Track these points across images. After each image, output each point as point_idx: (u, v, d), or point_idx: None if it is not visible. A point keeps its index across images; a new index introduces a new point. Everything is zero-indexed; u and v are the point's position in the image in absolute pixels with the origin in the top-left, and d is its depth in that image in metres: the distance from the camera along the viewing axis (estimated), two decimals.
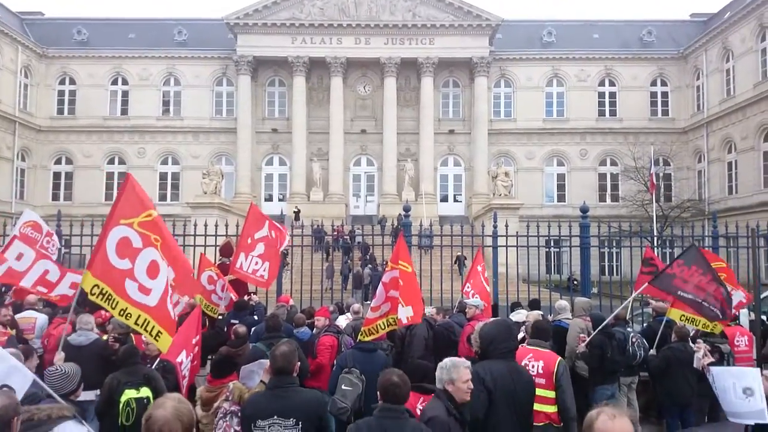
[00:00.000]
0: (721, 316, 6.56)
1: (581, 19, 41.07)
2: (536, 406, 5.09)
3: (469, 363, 4.30)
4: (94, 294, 5.05)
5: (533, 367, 5.35)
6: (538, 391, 5.15)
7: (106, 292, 5.08)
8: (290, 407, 4.10)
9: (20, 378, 3.74)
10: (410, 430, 3.74)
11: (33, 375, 3.89)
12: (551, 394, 5.26)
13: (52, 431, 3.23)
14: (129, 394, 5.02)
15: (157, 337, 5.26)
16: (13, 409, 3.05)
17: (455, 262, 14.09)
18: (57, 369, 4.69)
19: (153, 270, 5.26)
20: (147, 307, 5.17)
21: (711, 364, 4.38)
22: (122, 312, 5.11)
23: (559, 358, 5.51)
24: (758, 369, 3.96)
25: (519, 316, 8.86)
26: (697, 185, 35.69)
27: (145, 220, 5.32)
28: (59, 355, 5.40)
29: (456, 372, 4.13)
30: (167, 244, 5.52)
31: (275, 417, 4.05)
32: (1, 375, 3.68)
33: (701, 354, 6.70)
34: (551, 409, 5.24)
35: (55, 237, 8.62)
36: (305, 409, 4.15)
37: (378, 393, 3.91)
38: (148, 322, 5.17)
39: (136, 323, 5.19)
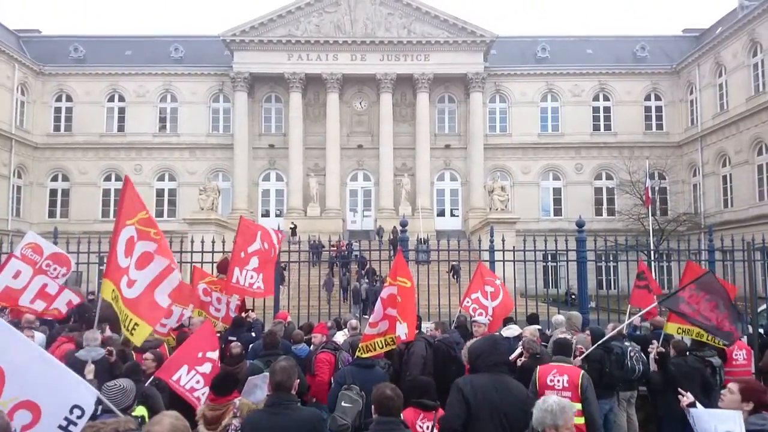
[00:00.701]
0: (727, 342, 6.58)
1: (575, 34, 41.52)
2: None
3: (576, 408, 3.83)
4: (114, 299, 5.25)
5: (558, 381, 5.58)
6: None
7: (116, 295, 5.24)
8: (288, 426, 4.09)
9: (88, 395, 3.76)
10: None
11: (97, 392, 3.90)
12: (578, 406, 5.38)
13: None
14: (141, 411, 5.01)
15: (132, 330, 5.36)
16: (4, 429, 3.06)
17: (449, 271, 14.07)
18: (115, 384, 4.66)
19: (142, 261, 5.45)
20: (127, 300, 5.33)
21: (691, 405, 4.34)
22: (120, 310, 5.33)
23: (582, 371, 5.72)
24: (739, 412, 3.92)
25: (510, 331, 8.90)
26: (692, 199, 35.85)
27: (143, 217, 5.58)
28: (89, 367, 5.40)
29: (563, 417, 3.59)
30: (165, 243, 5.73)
31: None
32: (70, 393, 3.68)
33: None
34: (579, 420, 5.29)
35: (66, 261, 8.48)
36: (303, 427, 4.14)
37: (372, 407, 3.97)
38: (127, 316, 5.34)
39: (121, 319, 5.36)
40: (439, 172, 37.91)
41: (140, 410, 5.10)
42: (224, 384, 5.74)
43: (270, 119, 38.31)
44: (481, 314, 8.99)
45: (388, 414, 3.94)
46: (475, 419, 4.10)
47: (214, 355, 6.10)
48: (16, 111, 35.28)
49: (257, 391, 5.14)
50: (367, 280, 22.10)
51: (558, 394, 5.16)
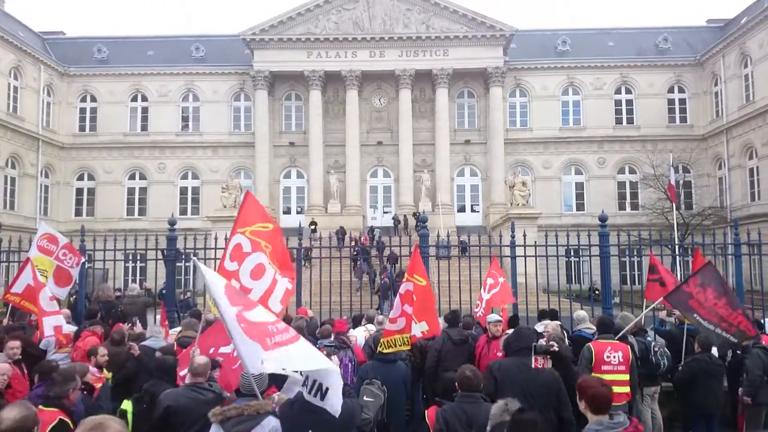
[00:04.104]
0: (736, 341, 6.49)
1: (596, 27, 40.96)
2: (618, 389, 5.89)
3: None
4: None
5: (614, 357, 6.27)
6: (620, 377, 6.17)
7: None
8: (323, 422, 4.10)
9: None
10: (485, 410, 4.36)
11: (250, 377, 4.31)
12: (627, 377, 6.27)
13: (261, 424, 3.93)
14: (126, 405, 5.15)
15: None
16: (32, 419, 3.14)
17: (458, 248, 13.92)
18: None
19: (257, 272, 5.98)
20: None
21: None
22: None
23: (629, 346, 6.52)
24: None
25: (542, 326, 8.87)
26: (718, 192, 35.22)
27: (258, 229, 6.11)
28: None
29: None
30: (276, 252, 6.23)
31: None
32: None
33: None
34: (624, 389, 6.20)
35: (75, 252, 8.95)
36: (338, 423, 4.15)
37: (456, 385, 4.72)
38: None
39: None
40: (459, 168, 37.77)
41: (126, 404, 5.19)
42: None
43: (290, 117, 38.53)
44: (477, 306, 9.28)
45: (470, 390, 4.62)
46: (502, 391, 4.95)
47: (227, 350, 6.07)
48: (43, 112, 35.96)
49: (295, 388, 5.12)
50: (388, 271, 22.08)
51: (614, 369, 6.23)
